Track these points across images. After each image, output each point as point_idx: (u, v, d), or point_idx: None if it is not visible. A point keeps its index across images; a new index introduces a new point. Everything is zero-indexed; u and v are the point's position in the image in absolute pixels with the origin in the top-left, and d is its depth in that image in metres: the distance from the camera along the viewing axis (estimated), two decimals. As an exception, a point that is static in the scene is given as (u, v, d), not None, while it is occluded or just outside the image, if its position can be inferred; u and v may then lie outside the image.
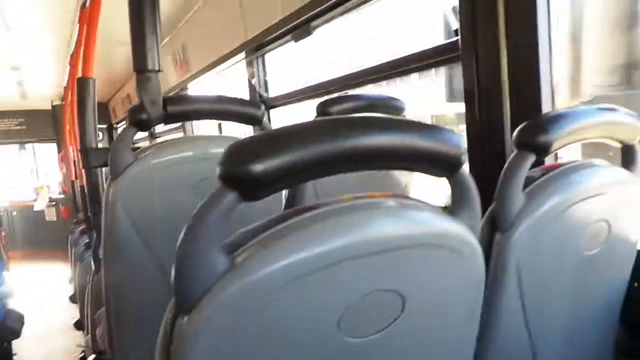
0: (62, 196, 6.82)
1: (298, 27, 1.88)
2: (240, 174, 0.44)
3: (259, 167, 0.43)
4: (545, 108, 0.99)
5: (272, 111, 2.36)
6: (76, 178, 4.64)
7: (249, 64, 2.33)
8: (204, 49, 2.82)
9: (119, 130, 4.86)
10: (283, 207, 0.92)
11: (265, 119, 1.17)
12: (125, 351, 1.13)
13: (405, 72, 1.46)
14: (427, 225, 0.54)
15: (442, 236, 0.55)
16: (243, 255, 0.46)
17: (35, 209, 6.84)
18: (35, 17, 3.19)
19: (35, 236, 7.06)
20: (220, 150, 1.11)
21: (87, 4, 2.63)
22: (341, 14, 1.75)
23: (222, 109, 1.17)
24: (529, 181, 0.74)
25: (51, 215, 6.82)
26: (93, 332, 1.71)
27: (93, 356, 1.49)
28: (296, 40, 1.91)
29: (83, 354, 2.98)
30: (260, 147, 0.45)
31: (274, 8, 2.00)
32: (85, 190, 1.73)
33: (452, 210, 0.57)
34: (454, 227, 0.55)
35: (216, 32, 2.49)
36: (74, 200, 4.58)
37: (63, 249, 6.64)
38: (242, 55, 2.42)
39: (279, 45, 2.17)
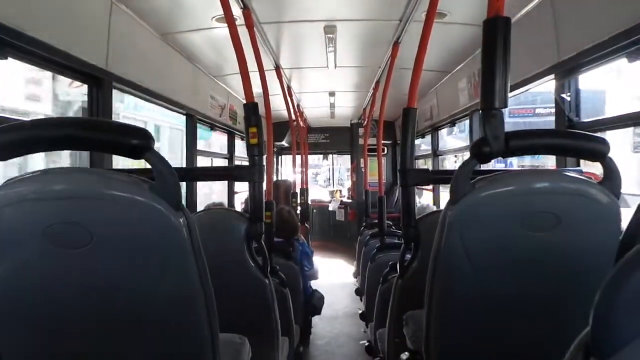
0: (350, 200, 7.98)
1: (634, 44, 1.67)
2: None
3: None
4: None
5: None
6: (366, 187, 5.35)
7: (559, 86, 2.20)
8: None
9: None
10: None
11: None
12: (443, 352, 1.27)
13: None
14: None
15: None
16: None
17: (330, 209, 8.21)
18: (356, 56, 3.86)
19: (327, 231, 8.48)
20: (544, 184, 1.13)
21: (400, 40, 3.03)
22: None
23: (563, 144, 1.17)
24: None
25: (340, 216, 8.05)
26: (396, 330, 1.97)
27: (407, 354, 1.70)
28: (631, 61, 1.70)
29: (368, 344, 3.42)
30: None
31: (600, 24, 1.84)
32: (400, 206, 2.00)
33: None
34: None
35: (521, 54, 2.45)
36: (365, 206, 5.27)
37: (346, 245, 7.73)
38: (550, 77, 2.31)
39: (602, 65, 1.97)
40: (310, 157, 7.66)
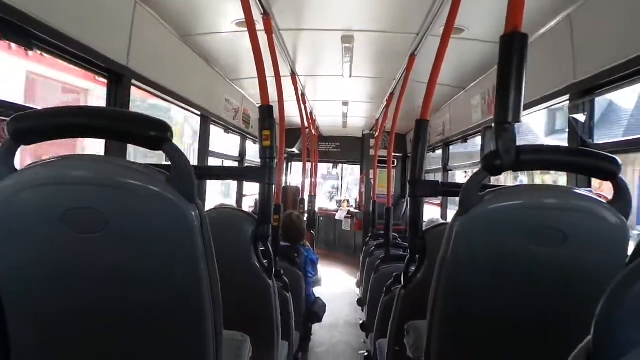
0: (357, 210, 7.97)
1: None
2: None
3: None
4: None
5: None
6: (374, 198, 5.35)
7: (574, 107, 2.20)
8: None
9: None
10: None
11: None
12: None
13: None
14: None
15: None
16: None
17: (336, 218, 8.21)
18: (371, 67, 3.89)
19: (332, 240, 8.47)
20: (552, 200, 1.13)
21: (417, 53, 3.05)
22: None
23: (573, 161, 1.17)
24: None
25: (347, 225, 8.05)
26: (397, 340, 1.96)
27: None
28: (647, 85, 1.70)
29: (367, 354, 3.40)
30: None
31: (617, 47, 1.85)
32: (408, 217, 2.01)
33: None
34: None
35: (537, 73, 2.46)
36: (372, 217, 5.27)
37: (350, 254, 7.71)
38: (565, 97, 2.31)
39: (617, 89, 1.97)
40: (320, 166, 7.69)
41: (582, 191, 1.16)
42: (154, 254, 0.99)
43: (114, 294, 1.02)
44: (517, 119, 1.15)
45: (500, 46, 1.18)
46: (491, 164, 1.15)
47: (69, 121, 0.96)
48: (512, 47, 1.16)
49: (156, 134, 0.95)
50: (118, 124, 0.97)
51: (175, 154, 0.96)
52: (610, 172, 1.12)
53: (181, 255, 1.00)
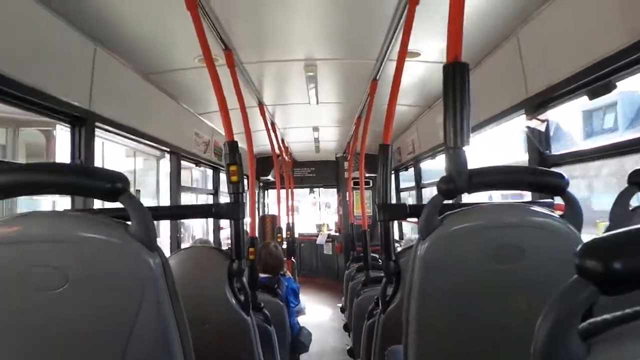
0: (337, 234, 7.96)
1: (594, 82, 1.77)
2: (602, 270, 0.46)
3: (621, 265, 0.44)
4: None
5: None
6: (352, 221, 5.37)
7: (529, 120, 2.29)
8: (479, 106, 2.93)
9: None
10: None
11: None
12: None
13: None
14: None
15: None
16: (601, 345, 0.49)
17: (317, 242, 8.17)
18: (337, 93, 3.97)
19: (315, 265, 8.40)
20: (507, 218, 1.17)
21: (378, 77, 3.13)
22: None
23: (523, 179, 1.21)
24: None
25: (328, 249, 8.01)
26: None
27: None
28: (592, 98, 1.79)
29: (356, 380, 3.35)
30: (626, 244, 0.46)
31: (562, 63, 1.94)
32: (381, 239, 2.03)
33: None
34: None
35: (493, 91, 2.56)
36: (351, 240, 5.26)
37: (334, 279, 7.65)
38: (521, 112, 2.41)
39: (567, 101, 2.06)
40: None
41: (537, 207, 1.20)
42: (118, 305, 0.97)
43: (77, 349, 0.99)
44: (465, 143, 1.19)
45: (444, 75, 1.24)
46: (445, 188, 1.18)
47: (18, 179, 0.95)
48: (455, 76, 1.21)
49: (111, 186, 0.94)
50: (71, 179, 0.97)
51: (132, 204, 0.96)
52: (559, 188, 1.16)
53: (146, 303, 0.98)
